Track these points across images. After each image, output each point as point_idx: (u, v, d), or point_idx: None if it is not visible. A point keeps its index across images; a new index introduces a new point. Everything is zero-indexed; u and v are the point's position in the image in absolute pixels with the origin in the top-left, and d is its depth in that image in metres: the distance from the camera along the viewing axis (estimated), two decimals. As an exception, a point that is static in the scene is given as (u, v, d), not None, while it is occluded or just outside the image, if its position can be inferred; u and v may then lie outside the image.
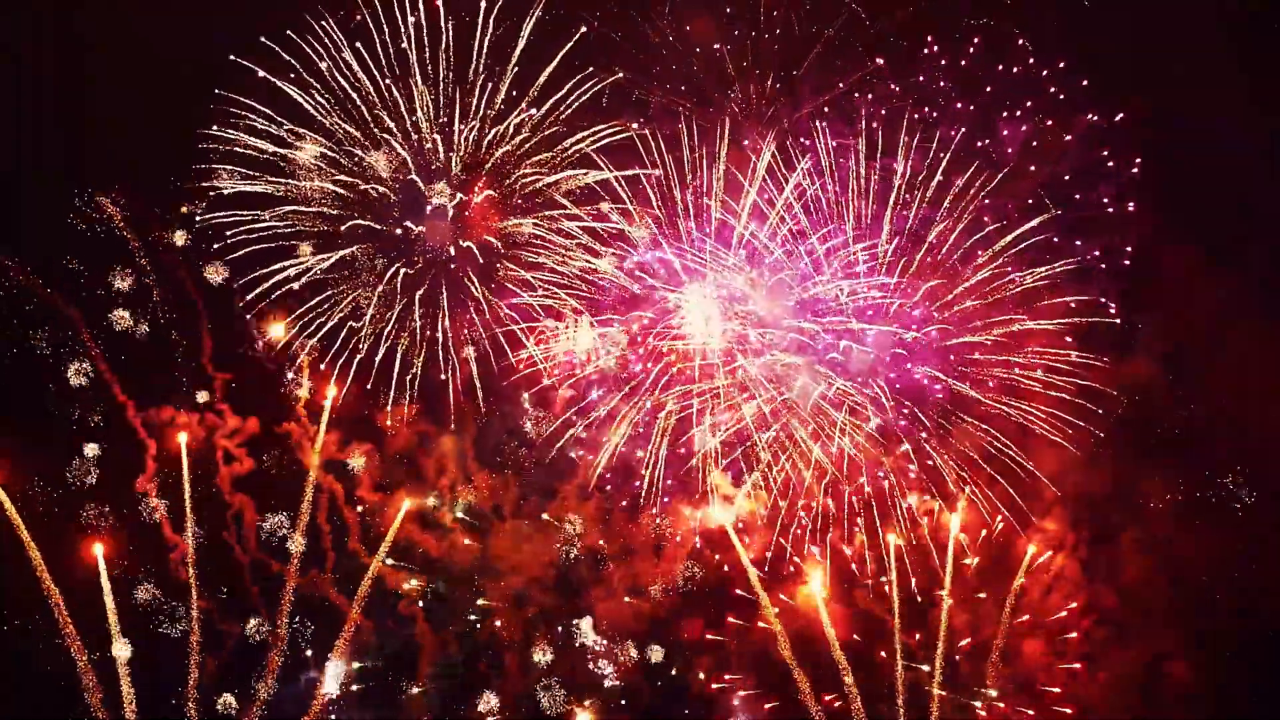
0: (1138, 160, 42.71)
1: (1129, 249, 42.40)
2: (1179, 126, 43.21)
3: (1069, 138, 42.71)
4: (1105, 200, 42.73)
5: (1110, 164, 42.69)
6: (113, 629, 39.74)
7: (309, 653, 42.39)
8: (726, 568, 42.85)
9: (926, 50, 43.24)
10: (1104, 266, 42.04)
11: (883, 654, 41.90)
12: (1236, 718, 40.38)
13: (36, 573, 39.11)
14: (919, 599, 41.86)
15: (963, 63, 42.97)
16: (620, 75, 41.72)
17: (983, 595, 42.29)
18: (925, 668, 41.74)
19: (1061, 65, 42.70)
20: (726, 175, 41.13)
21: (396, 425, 43.09)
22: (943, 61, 43.14)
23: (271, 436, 43.07)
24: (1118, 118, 42.65)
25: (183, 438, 41.79)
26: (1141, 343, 41.93)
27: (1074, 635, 41.96)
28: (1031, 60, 42.83)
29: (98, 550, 39.97)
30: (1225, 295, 41.45)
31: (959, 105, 42.65)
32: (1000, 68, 42.79)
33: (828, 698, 41.33)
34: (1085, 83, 42.62)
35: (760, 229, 41.06)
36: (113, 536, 40.83)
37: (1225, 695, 40.01)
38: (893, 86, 42.84)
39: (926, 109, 42.27)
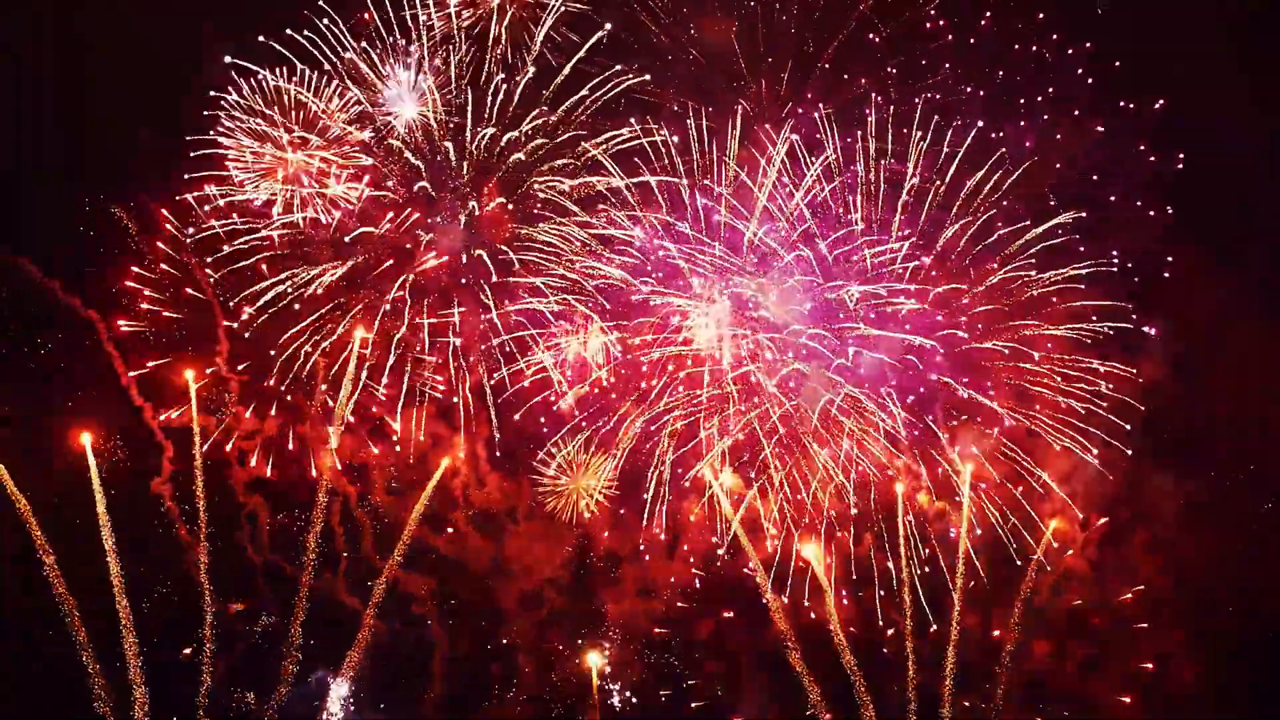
0: (1180, 155, 42.80)
1: (1167, 258, 42.42)
2: (1179, 126, 43.52)
3: (1100, 129, 42.62)
4: (1140, 204, 42.67)
5: (1152, 159, 42.73)
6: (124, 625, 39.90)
7: (313, 644, 42.49)
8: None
9: (929, 23, 43.14)
10: (1137, 280, 41.89)
11: (885, 649, 42.39)
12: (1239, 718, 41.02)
13: (50, 577, 39.03)
14: (928, 612, 42.24)
15: (972, 40, 42.98)
16: (648, 78, 41.59)
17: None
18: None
19: (1089, 45, 42.65)
20: (737, 179, 41.18)
21: (410, 431, 43.17)
22: (949, 37, 43.09)
23: (288, 438, 43.10)
24: (1158, 104, 42.56)
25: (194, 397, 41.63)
26: (1160, 347, 41.84)
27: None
28: (1055, 37, 42.65)
29: (111, 555, 39.94)
30: (1234, 296, 41.84)
31: (968, 90, 42.74)
32: (1017, 47, 42.89)
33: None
34: (1117, 64, 42.46)
35: (771, 232, 41.10)
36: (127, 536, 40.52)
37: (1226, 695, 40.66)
38: (891, 69, 42.88)
39: (936, 94, 42.23)
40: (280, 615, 42.22)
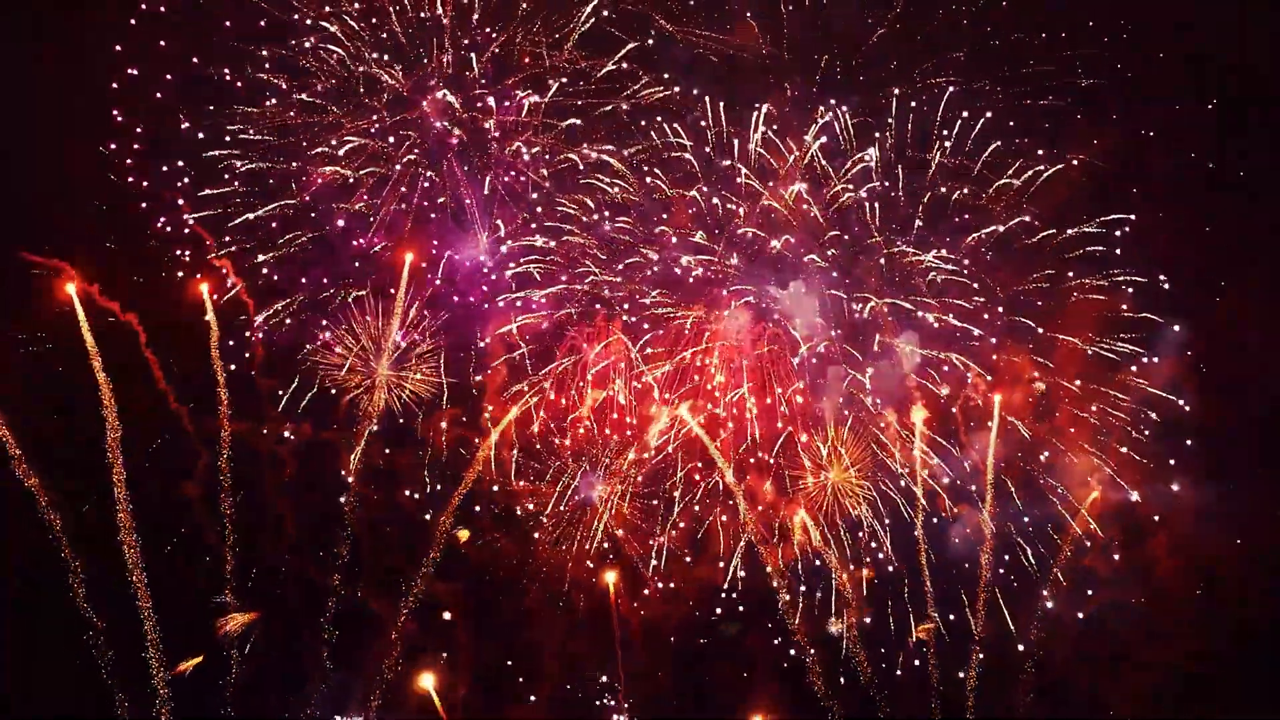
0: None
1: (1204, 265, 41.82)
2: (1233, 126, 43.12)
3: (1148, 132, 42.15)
4: (1178, 209, 42.16)
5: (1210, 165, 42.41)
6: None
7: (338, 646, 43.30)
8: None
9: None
10: (1171, 293, 41.29)
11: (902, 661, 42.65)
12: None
13: (75, 589, 40.02)
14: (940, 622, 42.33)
15: (989, 28, 42.60)
16: (697, 94, 41.40)
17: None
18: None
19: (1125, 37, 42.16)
20: (759, 186, 41.20)
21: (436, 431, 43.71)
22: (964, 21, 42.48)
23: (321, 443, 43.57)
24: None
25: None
26: (1193, 354, 41.33)
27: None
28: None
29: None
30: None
31: (991, 89, 42.32)
32: (1045, 35, 42.71)
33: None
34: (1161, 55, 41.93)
35: (790, 244, 41.07)
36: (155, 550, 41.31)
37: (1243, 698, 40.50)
38: (917, 72, 42.51)
39: (964, 96, 41.82)
40: (307, 622, 42.81)
